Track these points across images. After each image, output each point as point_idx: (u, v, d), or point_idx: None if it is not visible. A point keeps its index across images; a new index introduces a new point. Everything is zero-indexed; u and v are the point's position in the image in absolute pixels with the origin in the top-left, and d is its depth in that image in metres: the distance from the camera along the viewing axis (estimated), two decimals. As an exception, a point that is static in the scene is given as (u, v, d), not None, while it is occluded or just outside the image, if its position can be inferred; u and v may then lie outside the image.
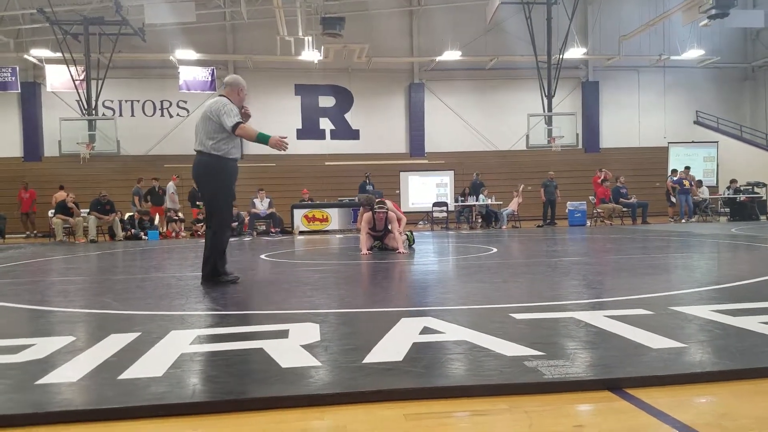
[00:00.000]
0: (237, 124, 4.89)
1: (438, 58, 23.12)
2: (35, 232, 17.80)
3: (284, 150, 5.06)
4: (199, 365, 2.41)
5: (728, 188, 19.03)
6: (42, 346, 2.77)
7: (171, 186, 16.84)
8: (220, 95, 5.17)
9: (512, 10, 21.26)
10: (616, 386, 2.08)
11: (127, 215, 15.62)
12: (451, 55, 22.46)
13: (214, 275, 5.09)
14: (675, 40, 23.67)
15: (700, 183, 19.05)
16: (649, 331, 2.79)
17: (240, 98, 5.19)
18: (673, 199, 17.92)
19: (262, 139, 4.94)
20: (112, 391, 2.07)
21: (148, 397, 2.01)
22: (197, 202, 15.18)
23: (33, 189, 18.05)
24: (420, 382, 2.12)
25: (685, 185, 17.51)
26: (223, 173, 5.05)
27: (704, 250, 8.00)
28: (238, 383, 2.15)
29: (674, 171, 18.68)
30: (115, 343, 2.81)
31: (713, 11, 18.55)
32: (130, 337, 2.94)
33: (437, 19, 23.73)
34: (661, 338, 2.65)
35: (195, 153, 5.09)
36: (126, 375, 2.25)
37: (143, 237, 15.07)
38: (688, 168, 18.59)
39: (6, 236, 16.56)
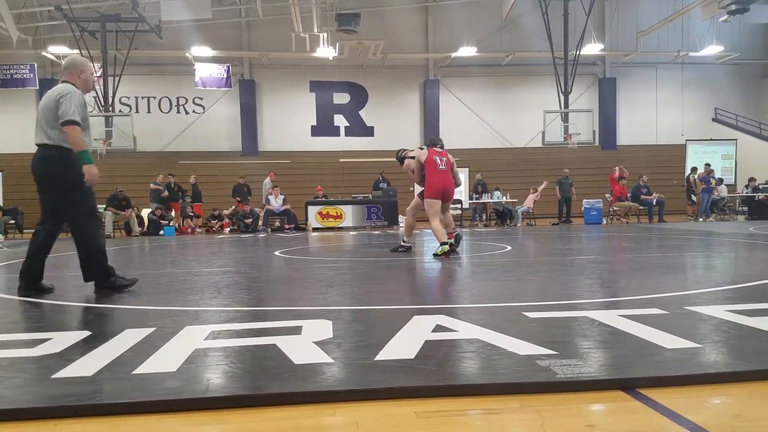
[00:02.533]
0: (71, 122, 4.23)
1: (453, 55, 23.04)
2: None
3: (92, 183, 4.40)
4: (213, 361, 2.43)
5: (747, 186, 18.78)
6: (58, 341, 2.81)
7: (268, 182, 17.06)
8: (63, 81, 4.51)
9: (528, 5, 21.14)
10: (629, 386, 2.07)
11: (153, 207, 15.77)
12: (467, 52, 22.35)
13: (108, 278, 4.54)
14: (694, 36, 23.37)
15: (720, 181, 18.83)
16: (664, 330, 2.77)
17: (83, 81, 4.56)
18: (694, 198, 17.72)
19: (83, 158, 4.30)
20: (127, 386, 2.10)
21: (162, 392, 2.03)
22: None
23: None
24: (432, 380, 2.12)
25: (711, 183, 17.32)
26: (72, 167, 4.34)
27: (721, 249, 7.91)
28: (251, 379, 2.16)
29: (694, 168, 18.46)
30: (130, 338, 2.84)
31: (733, 7, 18.27)
32: (145, 332, 2.97)
33: (453, 15, 23.64)
34: (676, 338, 2.62)
35: (37, 148, 4.39)
36: (140, 370, 2.28)
37: (161, 233, 15.22)
38: (708, 165, 18.37)
39: (24, 231, 16.79)
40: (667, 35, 23.88)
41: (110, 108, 19.90)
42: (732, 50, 23.87)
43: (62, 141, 4.33)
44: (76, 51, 19.43)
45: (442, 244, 7.01)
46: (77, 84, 4.52)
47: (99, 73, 19.83)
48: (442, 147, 7.52)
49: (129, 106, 23.18)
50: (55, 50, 21.13)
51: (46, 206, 4.50)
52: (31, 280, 4.52)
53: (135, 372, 2.26)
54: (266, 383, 2.11)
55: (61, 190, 4.40)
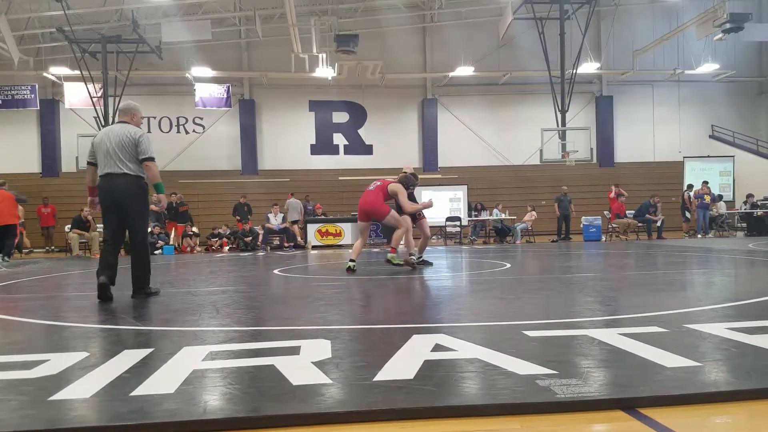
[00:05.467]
0: (152, 158, 5.30)
1: (451, 74, 23.22)
2: (53, 247, 18.01)
3: (162, 209, 5.79)
4: (211, 382, 2.42)
5: (745, 203, 18.81)
6: (56, 362, 2.80)
7: (295, 202, 17.87)
8: (122, 122, 5.43)
9: (525, 25, 21.32)
10: (630, 406, 2.06)
11: (152, 227, 15.77)
12: (464, 71, 22.53)
13: (145, 285, 5.38)
14: (689, 54, 23.58)
15: (719, 197, 18.87)
16: (664, 349, 2.76)
17: (136, 121, 5.51)
18: (688, 214, 17.74)
19: (160, 188, 5.46)
20: (125, 408, 2.08)
21: (160, 414, 2.02)
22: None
23: (53, 204, 18.26)
24: (431, 400, 2.11)
25: (706, 200, 17.33)
26: (147, 193, 5.46)
27: (720, 265, 7.90)
28: (249, 400, 2.15)
29: (690, 186, 18.50)
30: (128, 359, 2.83)
31: (728, 25, 18.50)
32: (143, 353, 2.96)
33: (450, 36, 23.87)
34: (676, 357, 2.61)
35: (112, 175, 5.21)
36: (138, 391, 2.27)
37: (156, 252, 15.19)
38: (706, 183, 18.40)
39: (23, 251, 16.76)
40: (663, 54, 24.09)
41: (110, 128, 19.95)
42: (728, 68, 24.06)
43: (139, 171, 5.29)
44: (77, 72, 19.60)
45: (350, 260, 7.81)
46: (132, 123, 5.45)
47: (99, 94, 19.96)
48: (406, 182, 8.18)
49: (129, 125, 23.28)
50: (57, 71, 21.28)
51: (115, 224, 5.38)
52: (109, 288, 5.22)
53: (132, 394, 2.24)
54: (264, 405, 2.10)
55: (137, 211, 5.35)
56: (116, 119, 5.59)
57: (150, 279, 5.44)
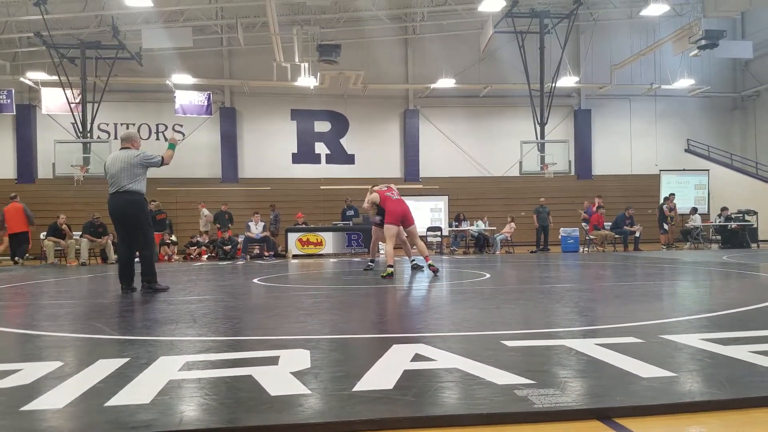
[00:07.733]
0: (162, 158, 6.64)
1: (432, 86, 23.41)
2: (27, 255, 17.61)
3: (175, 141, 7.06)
4: (188, 392, 2.38)
5: (719, 216, 19.17)
6: (29, 372, 2.74)
7: (205, 211, 17.71)
8: (125, 148, 6.57)
9: (505, 39, 21.62)
10: (606, 416, 2.07)
11: None
12: (446, 83, 22.74)
13: (152, 282, 6.49)
14: (666, 70, 24.11)
15: (695, 210, 19.24)
16: (640, 359, 2.79)
17: (135, 146, 6.69)
18: (666, 227, 18.04)
19: (172, 147, 6.92)
20: (99, 419, 2.04)
21: (135, 424, 1.99)
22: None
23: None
24: (410, 411, 2.10)
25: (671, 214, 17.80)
26: (146, 205, 6.64)
27: (695, 277, 8.03)
28: (226, 411, 2.13)
29: (666, 198, 18.83)
30: (103, 368, 2.78)
31: (703, 42, 18.98)
32: (119, 362, 2.91)
33: (432, 48, 24.08)
34: (652, 367, 2.64)
35: (118, 194, 6.34)
36: (113, 402, 2.23)
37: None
38: (673, 194, 18.82)
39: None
40: (640, 68, 24.58)
41: (88, 134, 19.74)
42: (703, 83, 24.62)
43: (142, 189, 6.46)
44: (55, 77, 19.34)
45: (389, 266, 8.06)
46: (133, 149, 6.58)
47: (77, 100, 19.71)
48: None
49: (108, 132, 23.03)
50: (34, 76, 20.99)
51: (123, 231, 6.50)
52: (128, 281, 6.52)
53: (107, 404, 2.20)
54: (241, 416, 2.08)
55: (140, 224, 6.47)
56: (119, 147, 6.70)
57: (154, 273, 6.49)
